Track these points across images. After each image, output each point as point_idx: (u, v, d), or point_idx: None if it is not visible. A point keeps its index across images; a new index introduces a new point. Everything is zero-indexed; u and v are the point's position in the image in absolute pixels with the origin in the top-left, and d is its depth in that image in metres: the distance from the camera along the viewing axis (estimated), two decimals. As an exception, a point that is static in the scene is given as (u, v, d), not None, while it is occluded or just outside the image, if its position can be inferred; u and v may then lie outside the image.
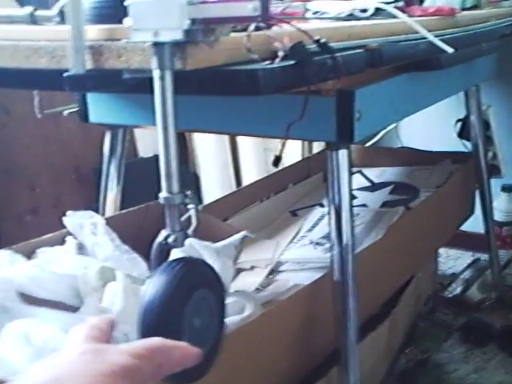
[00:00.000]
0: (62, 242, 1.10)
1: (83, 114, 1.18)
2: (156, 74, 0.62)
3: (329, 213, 1.03)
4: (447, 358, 1.67)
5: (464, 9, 1.40)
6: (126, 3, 0.65)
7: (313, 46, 0.75)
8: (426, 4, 1.32)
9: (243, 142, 2.16)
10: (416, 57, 1.02)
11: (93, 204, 1.39)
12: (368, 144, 2.08)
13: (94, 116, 1.19)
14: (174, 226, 0.69)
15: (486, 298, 1.87)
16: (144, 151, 2.07)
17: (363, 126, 0.96)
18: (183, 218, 0.71)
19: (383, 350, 1.40)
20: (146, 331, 0.63)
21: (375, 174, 1.82)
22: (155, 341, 0.51)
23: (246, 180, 2.17)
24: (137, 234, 1.19)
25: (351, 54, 0.84)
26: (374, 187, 1.74)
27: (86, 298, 0.90)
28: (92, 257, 1.07)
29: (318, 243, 1.45)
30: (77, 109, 1.19)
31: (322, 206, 1.66)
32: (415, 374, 1.53)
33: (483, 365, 1.64)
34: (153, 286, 0.64)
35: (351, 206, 1.01)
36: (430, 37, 0.97)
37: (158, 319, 0.62)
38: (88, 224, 1.10)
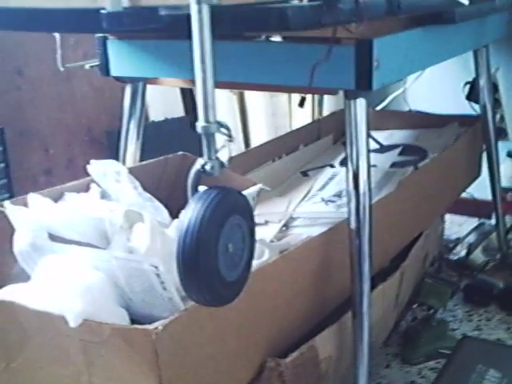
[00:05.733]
0: (86, 189, 1.13)
1: (104, 67, 1.21)
2: (194, 8, 0.65)
3: (346, 159, 1.06)
4: (451, 316, 1.72)
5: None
6: None
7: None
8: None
9: (252, 106, 2.18)
10: (433, 8, 1.05)
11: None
12: (376, 109, 2.10)
13: (115, 69, 1.21)
14: (210, 154, 0.72)
15: (489, 259, 1.91)
16: (155, 115, 2.09)
17: (380, 75, 0.99)
18: (219, 149, 0.74)
19: (393, 304, 1.43)
20: (187, 253, 0.67)
21: (383, 136, 1.85)
22: None
23: (255, 145, 2.20)
24: (157, 185, 1.23)
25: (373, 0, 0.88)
26: (382, 149, 1.77)
27: (114, 236, 0.94)
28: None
29: (329, 200, 1.49)
30: (98, 63, 1.22)
31: (332, 166, 1.69)
32: (419, 329, 1.57)
33: (485, 323, 1.69)
34: (191, 211, 0.68)
35: (368, 152, 1.05)
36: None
37: (197, 242, 0.66)
38: (111, 172, 1.14)
